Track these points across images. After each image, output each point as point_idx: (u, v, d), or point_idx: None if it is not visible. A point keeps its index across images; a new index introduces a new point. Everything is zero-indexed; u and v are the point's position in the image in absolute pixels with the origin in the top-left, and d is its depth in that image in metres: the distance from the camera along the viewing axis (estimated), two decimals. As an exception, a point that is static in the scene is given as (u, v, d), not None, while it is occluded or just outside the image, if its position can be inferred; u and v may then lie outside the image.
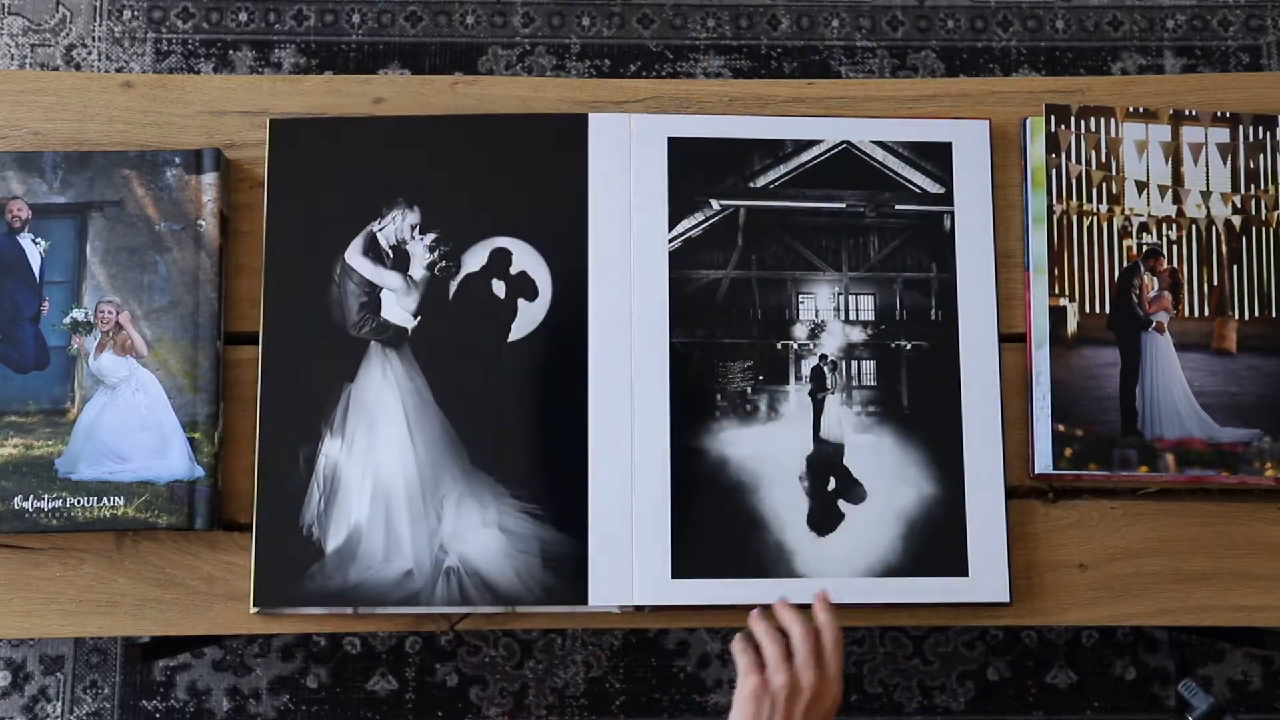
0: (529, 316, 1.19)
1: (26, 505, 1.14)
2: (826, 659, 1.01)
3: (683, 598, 1.15)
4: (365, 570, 1.14)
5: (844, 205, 1.22)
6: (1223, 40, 1.97)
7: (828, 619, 1.03)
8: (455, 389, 1.17)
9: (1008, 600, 1.16)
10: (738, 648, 1.03)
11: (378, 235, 1.21)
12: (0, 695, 1.74)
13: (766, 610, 1.06)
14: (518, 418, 1.17)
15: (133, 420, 1.15)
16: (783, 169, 1.22)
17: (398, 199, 1.21)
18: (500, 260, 1.20)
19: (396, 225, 1.21)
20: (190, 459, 1.15)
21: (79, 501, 1.14)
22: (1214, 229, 1.22)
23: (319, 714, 1.75)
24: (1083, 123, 1.23)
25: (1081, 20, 1.98)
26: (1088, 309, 1.20)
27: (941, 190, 1.22)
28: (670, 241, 1.21)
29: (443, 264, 1.20)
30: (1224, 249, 1.22)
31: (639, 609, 1.16)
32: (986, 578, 1.16)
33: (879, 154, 1.23)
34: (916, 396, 1.19)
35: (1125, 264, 1.21)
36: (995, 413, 1.19)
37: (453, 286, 1.20)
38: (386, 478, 1.16)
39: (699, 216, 1.21)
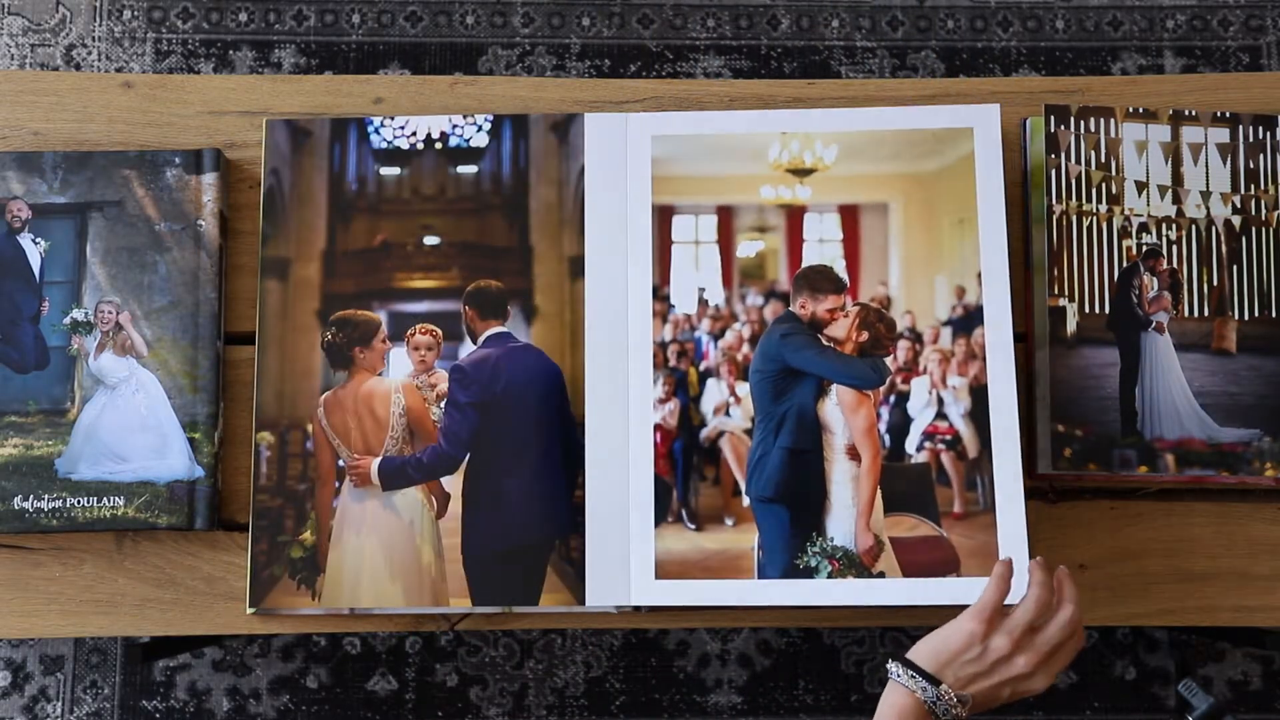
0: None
1: (26, 505, 1.14)
2: (1057, 659, 0.99)
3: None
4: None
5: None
6: (1223, 40, 1.97)
7: (1081, 632, 1.00)
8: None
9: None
10: (1000, 574, 1.01)
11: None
12: (0, 695, 1.74)
13: (1049, 568, 1.01)
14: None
15: (133, 420, 1.15)
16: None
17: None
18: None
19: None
20: (190, 459, 1.15)
21: (79, 501, 1.14)
22: (1214, 229, 1.22)
23: (319, 714, 1.75)
24: (1082, 123, 1.23)
25: (1081, 20, 1.98)
26: (1088, 309, 1.20)
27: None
28: (670, 241, 1.21)
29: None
30: (1224, 249, 1.22)
31: (636, 609, 1.16)
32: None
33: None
34: (916, 396, 1.19)
35: (1125, 264, 1.21)
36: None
37: (452, 286, 1.20)
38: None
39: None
